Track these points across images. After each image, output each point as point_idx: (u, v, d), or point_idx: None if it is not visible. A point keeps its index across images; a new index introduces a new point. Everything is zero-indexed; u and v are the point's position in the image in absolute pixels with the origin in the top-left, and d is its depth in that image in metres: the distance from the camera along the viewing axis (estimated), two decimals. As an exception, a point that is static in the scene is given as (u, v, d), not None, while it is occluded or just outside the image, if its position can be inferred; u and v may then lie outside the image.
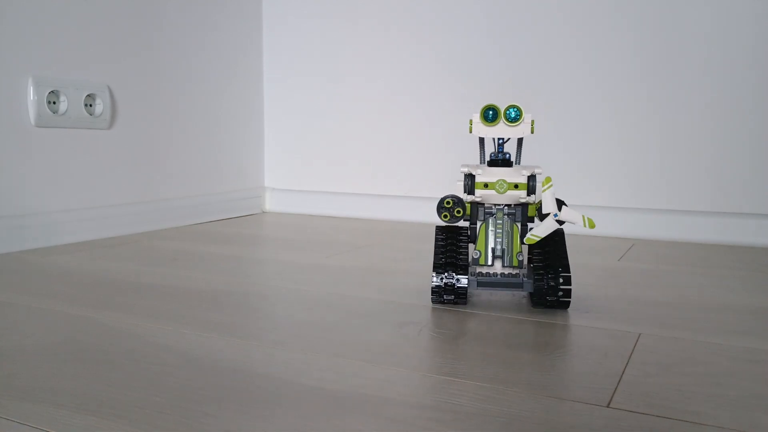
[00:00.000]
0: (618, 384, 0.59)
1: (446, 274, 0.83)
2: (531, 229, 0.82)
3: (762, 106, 1.39)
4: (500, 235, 0.84)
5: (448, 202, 0.82)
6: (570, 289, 0.81)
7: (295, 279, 1.04)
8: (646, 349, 0.69)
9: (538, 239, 0.79)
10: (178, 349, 0.69)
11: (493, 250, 0.84)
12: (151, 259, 1.19)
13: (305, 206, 1.88)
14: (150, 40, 1.53)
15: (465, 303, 0.85)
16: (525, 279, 0.84)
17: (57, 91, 1.30)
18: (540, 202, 0.81)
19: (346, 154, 1.82)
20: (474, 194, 0.83)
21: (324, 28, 1.81)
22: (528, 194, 0.83)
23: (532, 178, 0.83)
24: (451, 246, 0.86)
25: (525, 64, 1.58)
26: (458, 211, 0.82)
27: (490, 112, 0.84)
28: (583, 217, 0.78)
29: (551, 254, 0.83)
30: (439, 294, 0.84)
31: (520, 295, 0.92)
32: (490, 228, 0.84)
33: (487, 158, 0.88)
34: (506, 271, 0.84)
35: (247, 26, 1.84)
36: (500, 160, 0.84)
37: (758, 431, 0.51)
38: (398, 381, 0.60)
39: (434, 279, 0.84)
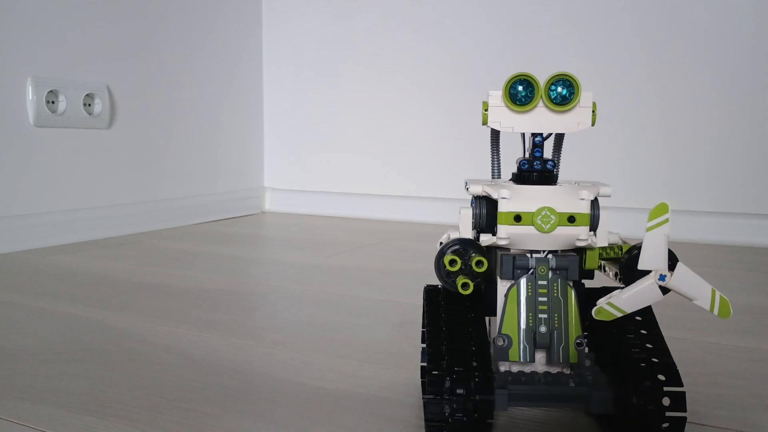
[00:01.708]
0: (618, 384, 0.59)
1: (455, 383, 0.44)
2: (609, 295, 0.46)
3: (762, 106, 1.39)
4: (545, 306, 0.48)
5: (452, 262, 0.48)
6: (685, 419, 0.43)
7: (295, 279, 1.04)
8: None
9: (619, 315, 0.45)
10: (178, 349, 0.69)
11: (534, 335, 0.47)
12: (151, 259, 1.19)
13: (305, 206, 1.88)
14: (149, 39, 1.53)
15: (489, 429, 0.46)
16: (593, 388, 0.46)
17: (56, 90, 1.30)
18: (617, 248, 0.49)
19: (346, 154, 1.82)
20: (495, 234, 0.48)
21: (324, 28, 1.81)
22: (591, 230, 0.48)
23: (595, 204, 0.48)
24: (456, 323, 0.49)
25: (525, 65, 1.58)
26: (479, 262, 0.48)
27: (520, 87, 0.48)
28: (714, 293, 0.44)
29: (639, 339, 0.48)
30: (440, 426, 0.45)
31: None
32: (525, 294, 0.48)
33: (502, 168, 0.53)
34: (554, 370, 0.48)
35: (247, 26, 1.84)
36: (537, 171, 0.49)
37: (758, 431, 0.51)
38: (398, 381, 0.60)
39: (429, 390, 0.45)
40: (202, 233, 1.51)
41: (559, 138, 0.53)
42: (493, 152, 0.53)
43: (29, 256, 1.20)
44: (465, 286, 0.47)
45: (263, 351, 0.68)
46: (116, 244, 1.35)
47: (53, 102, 1.30)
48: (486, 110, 0.49)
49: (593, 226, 0.48)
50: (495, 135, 0.52)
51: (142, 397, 0.56)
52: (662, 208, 0.45)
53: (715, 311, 0.44)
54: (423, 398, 0.45)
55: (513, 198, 0.47)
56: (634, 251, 0.47)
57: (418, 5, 1.69)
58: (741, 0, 1.38)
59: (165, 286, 0.98)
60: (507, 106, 0.48)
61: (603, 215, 0.48)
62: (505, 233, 0.47)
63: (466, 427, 0.44)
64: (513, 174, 0.51)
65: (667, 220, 0.45)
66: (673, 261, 0.45)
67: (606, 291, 0.49)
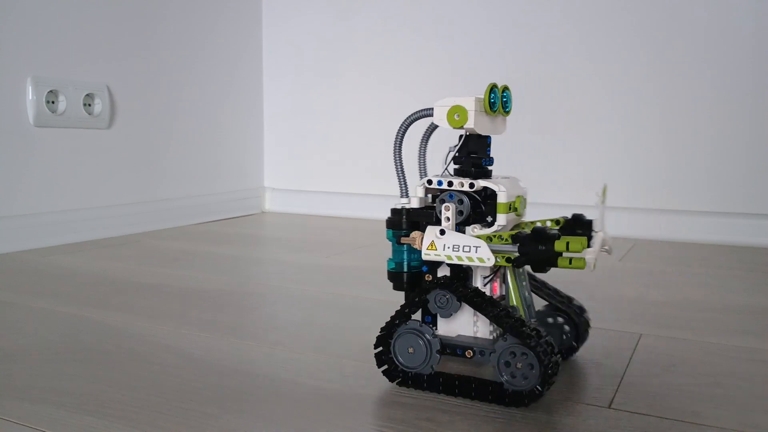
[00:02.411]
0: (619, 385, 0.59)
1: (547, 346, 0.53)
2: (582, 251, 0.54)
3: (762, 106, 1.39)
4: (524, 279, 0.60)
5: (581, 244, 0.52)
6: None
7: (295, 279, 1.04)
8: (647, 350, 0.69)
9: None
10: (178, 349, 0.69)
11: (525, 300, 0.60)
12: (151, 259, 1.19)
13: (305, 206, 1.88)
14: (149, 39, 1.53)
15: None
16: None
17: (56, 90, 1.30)
18: (527, 224, 0.60)
19: (345, 154, 1.82)
20: (487, 224, 0.57)
21: (324, 28, 1.81)
22: None
23: None
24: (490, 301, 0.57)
25: (525, 65, 1.58)
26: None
27: (502, 96, 0.58)
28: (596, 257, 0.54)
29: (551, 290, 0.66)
30: (552, 375, 0.53)
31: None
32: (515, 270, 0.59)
33: (447, 165, 0.61)
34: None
35: (247, 26, 1.84)
36: (486, 167, 0.59)
37: (758, 431, 0.51)
38: (398, 381, 0.60)
39: (546, 354, 0.52)
40: (202, 233, 1.51)
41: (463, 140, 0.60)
42: (421, 154, 0.62)
43: (29, 256, 1.20)
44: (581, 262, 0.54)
45: (263, 351, 0.68)
46: (116, 244, 1.35)
47: (53, 102, 1.30)
48: (462, 116, 0.56)
49: None
50: (427, 138, 0.62)
51: (142, 397, 0.56)
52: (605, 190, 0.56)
53: (593, 268, 0.53)
54: (542, 364, 0.52)
55: (506, 190, 0.56)
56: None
57: (418, 5, 1.69)
58: (741, 0, 1.38)
59: (165, 286, 0.98)
60: (486, 113, 0.57)
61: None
62: (504, 220, 0.56)
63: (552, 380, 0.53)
64: (456, 169, 0.59)
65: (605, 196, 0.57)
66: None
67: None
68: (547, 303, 0.65)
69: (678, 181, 1.47)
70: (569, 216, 0.60)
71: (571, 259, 0.53)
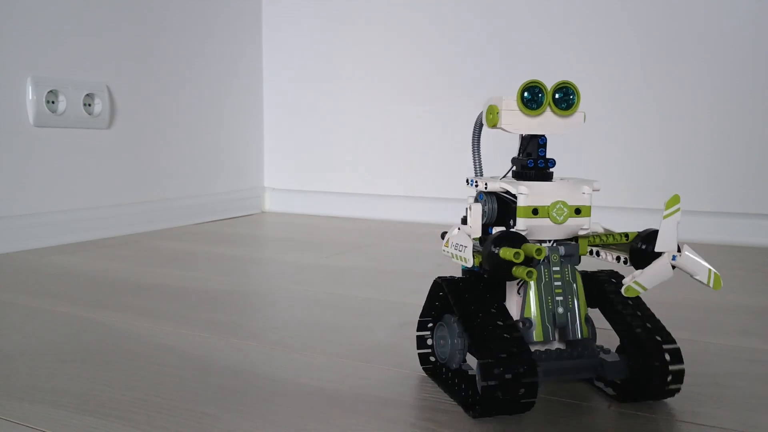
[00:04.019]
0: (618, 384, 0.59)
1: (504, 363, 0.48)
2: (632, 275, 0.53)
3: (761, 106, 1.39)
4: (560, 290, 0.54)
5: (517, 254, 0.49)
6: (683, 371, 0.52)
7: (295, 279, 1.04)
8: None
9: (643, 291, 0.52)
10: (178, 349, 0.69)
11: (554, 315, 0.53)
12: (151, 259, 1.19)
13: (305, 206, 1.88)
14: (149, 40, 1.52)
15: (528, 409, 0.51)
16: (605, 359, 0.53)
17: (56, 90, 1.30)
18: (617, 236, 0.55)
19: (345, 154, 1.82)
20: (510, 226, 0.54)
21: (323, 29, 1.81)
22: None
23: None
24: (486, 311, 0.53)
25: (525, 65, 1.58)
26: (538, 250, 0.49)
27: (539, 94, 0.53)
28: (710, 270, 0.52)
29: (633, 314, 0.55)
30: (494, 399, 0.49)
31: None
32: (543, 280, 0.54)
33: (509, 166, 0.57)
34: (570, 346, 0.54)
35: (247, 26, 1.84)
36: (541, 169, 0.55)
37: (758, 431, 0.51)
38: (398, 381, 0.60)
39: (487, 372, 0.48)
40: (202, 233, 1.51)
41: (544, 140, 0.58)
42: (475, 151, 0.59)
43: (29, 256, 1.20)
44: (530, 274, 0.49)
45: (263, 351, 0.68)
46: (116, 244, 1.35)
47: (53, 102, 1.30)
48: (495, 115, 0.53)
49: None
50: (477, 136, 0.58)
51: (142, 397, 0.56)
52: (675, 200, 0.51)
53: (711, 284, 0.51)
54: (479, 383, 0.49)
55: (530, 194, 0.52)
56: (639, 241, 0.53)
57: (418, 6, 1.69)
58: (741, 0, 1.38)
59: (165, 286, 0.98)
60: (522, 111, 0.53)
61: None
62: (524, 225, 0.52)
63: (515, 408, 0.50)
64: (513, 171, 0.56)
65: (679, 210, 0.51)
66: (678, 247, 0.52)
67: (599, 273, 0.57)
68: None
69: (678, 181, 1.47)
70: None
71: (529, 271, 0.49)
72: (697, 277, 0.52)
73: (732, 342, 0.73)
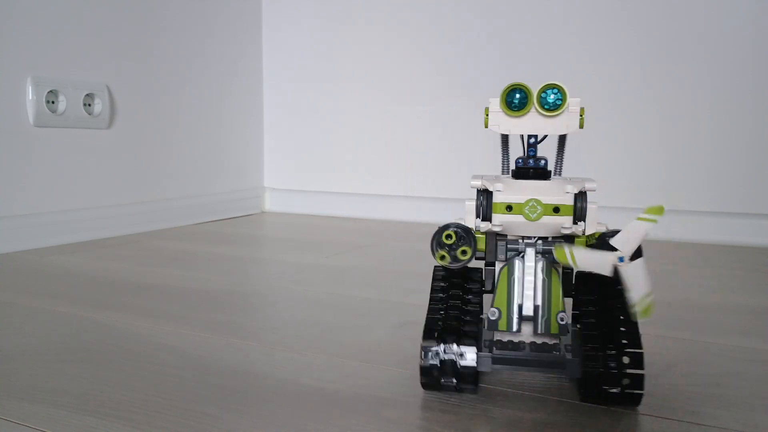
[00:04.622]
0: (618, 384, 0.59)
1: (443, 346, 0.55)
2: (574, 245, 0.53)
3: (761, 106, 1.39)
4: (532, 285, 0.56)
5: (449, 236, 0.55)
6: (642, 375, 0.52)
7: (295, 279, 1.04)
8: (647, 350, 0.69)
9: (571, 265, 0.52)
10: (178, 349, 0.69)
11: (521, 308, 0.56)
12: (151, 259, 1.19)
13: (305, 206, 1.88)
14: (149, 39, 1.52)
15: (474, 389, 0.57)
16: (569, 355, 0.55)
17: (56, 90, 1.30)
18: (597, 235, 0.55)
19: (345, 154, 1.82)
20: (491, 221, 0.55)
21: (323, 29, 1.81)
22: (575, 221, 0.54)
23: (580, 197, 0.54)
24: (456, 298, 0.59)
25: (525, 65, 1.58)
26: (464, 251, 0.55)
27: (517, 96, 0.56)
28: (645, 296, 0.50)
29: (609, 315, 0.55)
30: (432, 376, 0.56)
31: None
32: (516, 274, 0.56)
33: (512, 165, 0.59)
34: (540, 340, 0.56)
35: (247, 26, 1.84)
36: (531, 168, 0.57)
37: (758, 431, 0.51)
38: (398, 381, 0.60)
39: (424, 353, 0.55)
40: (202, 233, 1.51)
41: (561, 139, 0.60)
42: (503, 153, 0.61)
43: (29, 256, 1.20)
44: (443, 259, 0.55)
45: (263, 351, 0.68)
46: (116, 244, 1.35)
47: (53, 102, 1.30)
48: (486, 116, 0.57)
49: (580, 217, 0.54)
50: (504, 138, 0.60)
51: (142, 398, 0.56)
52: (659, 210, 0.50)
53: (638, 308, 0.50)
54: (420, 357, 0.55)
55: (505, 191, 0.55)
56: (606, 237, 0.53)
57: (418, 7, 1.69)
58: (741, 0, 1.38)
59: (165, 286, 0.98)
60: (505, 112, 0.56)
61: (591, 208, 0.54)
62: (498, 221, 0.55)
63: (455, 386, 0.56)
64: (512, 171, 0.58)
65: (655, 221, 0.50)
66: (636, 255, 0.51)
67: (595, 275, 0.55)
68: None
69: (678, 181, 1.47)
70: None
71: (442, 256, 0.55)
72: (629, 294, 0.50)
73: (732, 342, 0.73)
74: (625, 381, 0.52)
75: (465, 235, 0.55)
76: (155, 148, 1.56)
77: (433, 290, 0.60)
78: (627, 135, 1.50)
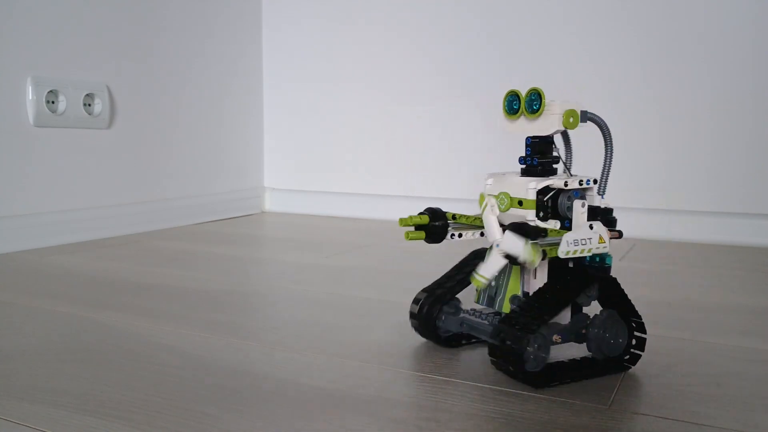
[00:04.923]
0: (619, 384, 0.59)
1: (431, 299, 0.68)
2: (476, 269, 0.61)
3: (761, 106, 1.39)
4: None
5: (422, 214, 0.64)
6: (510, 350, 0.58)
7: (295, 279, 1.04)
8: (647, 350, 0.69)
9: (485, 281, 0.59)
10: (178, 349, 0.69)
11: (487, 288, 0.66)
12: (151, 259, 1.19)
13: (305, 206, 1.88)
14: (149, 39, 1.52)
15: (445, 344, 0.69)
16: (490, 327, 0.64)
17: (56, 90, 1.30)
18: (471, 218, 0.65)
19: (345, 154, 1.82)
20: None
21: (323, 29, 1.81)
22: (541, 216, 0.61)
23: (543, 192, 0.60)
24: (462, 272, 0.71)
25: (525, 65, 1.58)
26: (421, 215, 0.64)
27: (514, 101, 0.63)
28: (525, 243, 0.57)
29: (539, 295, 0.63)
30: (416, 318, 0.70)
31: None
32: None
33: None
34: (490, 311, 0.66)
35: (247, 26, 1.84)
36: (527, 165, 0.64)
37: (758, 431, 0.51)
38: (398, 381, 0.60)
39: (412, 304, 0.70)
40: (202, 233, 1.51)
41: (565, 139, 0.66)
42: (566, 151, 0.66)
43: (29, 256, 1.20)
44: (405, 234, 0.64)
45: (263, 351, 0.68)
46: (116, 244, 1.35)
47: (53, 102, 1.30)
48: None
49: (550, 213, 0.61)
50: (566, 138, 0.66)
51: (142, 398, 0.56)
52: (481, 199, 0.61)
53: (526, 257, 0.56)
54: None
55: (493, 184, 0.63)
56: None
57: (418, 7, 1.69)
58: (741, 0, 1.38)
59: (165, 286, 0.98)
60: (505, 116, 0.64)
61: (577, 205, 0.60)
62: (480, 210, 0.62)
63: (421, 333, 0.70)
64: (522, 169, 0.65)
65: (486, 204, 0.61)
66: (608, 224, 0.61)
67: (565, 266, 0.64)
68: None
69: (678, 181, 1.47)
70: None
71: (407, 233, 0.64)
72: (516, 257, 0.57)
73: (732, 342, 0.73)
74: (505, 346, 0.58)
75: (435, 214, 0.65)
76: (155, 148, 1.56)
77: (452, 268, 0.72)
78: (627, 135, 1.50)
